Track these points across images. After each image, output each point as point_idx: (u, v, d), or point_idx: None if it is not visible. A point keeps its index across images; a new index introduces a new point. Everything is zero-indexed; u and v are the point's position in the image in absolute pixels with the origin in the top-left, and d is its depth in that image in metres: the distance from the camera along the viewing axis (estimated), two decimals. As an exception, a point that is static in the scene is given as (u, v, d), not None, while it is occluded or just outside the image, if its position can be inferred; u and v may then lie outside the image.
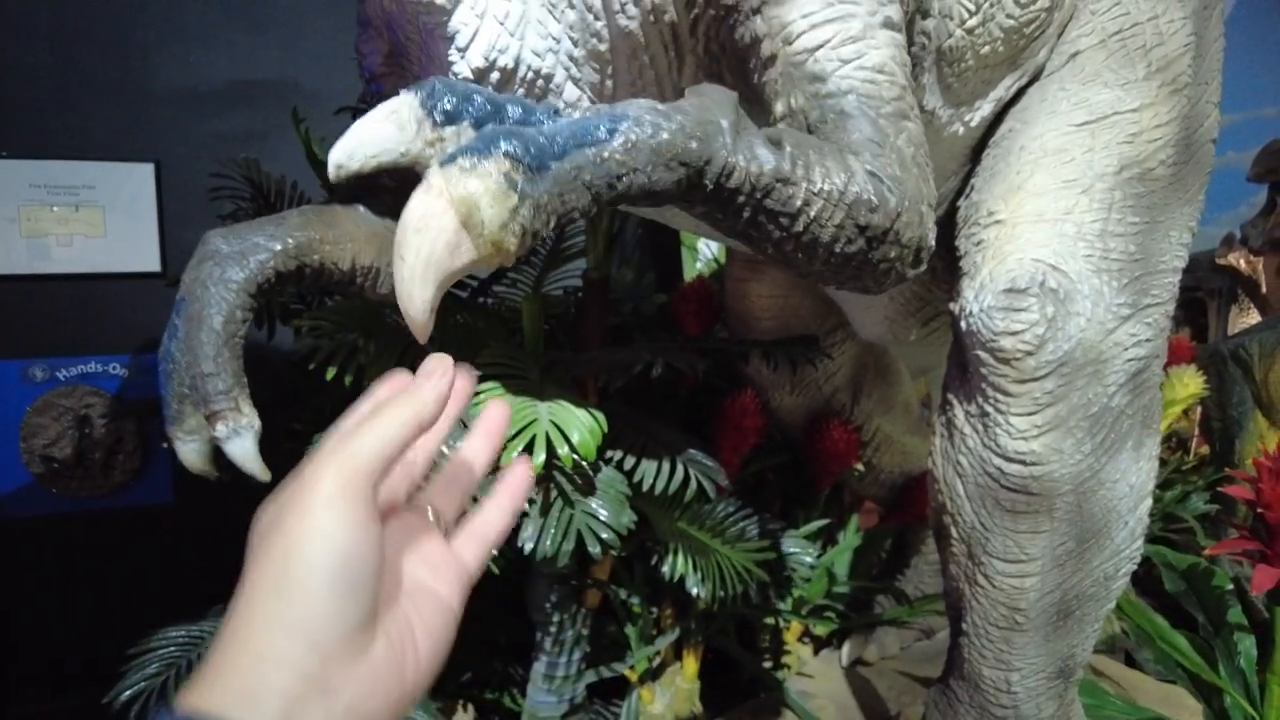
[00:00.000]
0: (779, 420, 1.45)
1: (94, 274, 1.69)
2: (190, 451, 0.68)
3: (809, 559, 1.25)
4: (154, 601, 1.29)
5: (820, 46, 0.63)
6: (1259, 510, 1.02)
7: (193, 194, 1.69)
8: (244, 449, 0.67)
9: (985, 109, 0.91)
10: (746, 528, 1.24)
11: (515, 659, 1.44)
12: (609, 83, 0.71)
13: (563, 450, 0.85)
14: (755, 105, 0.68)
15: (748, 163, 0.56)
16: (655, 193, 0.56)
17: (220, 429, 0.66)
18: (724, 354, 1.35)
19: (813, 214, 0.59)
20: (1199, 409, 2.14)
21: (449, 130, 0.58)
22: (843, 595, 1.58)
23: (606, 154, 0.53)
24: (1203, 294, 2.90)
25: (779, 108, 0.66)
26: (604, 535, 0.93)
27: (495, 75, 0.67)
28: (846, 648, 1.55)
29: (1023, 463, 0.83)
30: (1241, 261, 2.70)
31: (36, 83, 1.64)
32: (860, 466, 1.47)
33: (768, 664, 1.61)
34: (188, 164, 1.71)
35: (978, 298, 0.83)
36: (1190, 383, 1.96)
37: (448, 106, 0.58)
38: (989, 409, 0.84)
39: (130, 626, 1.11)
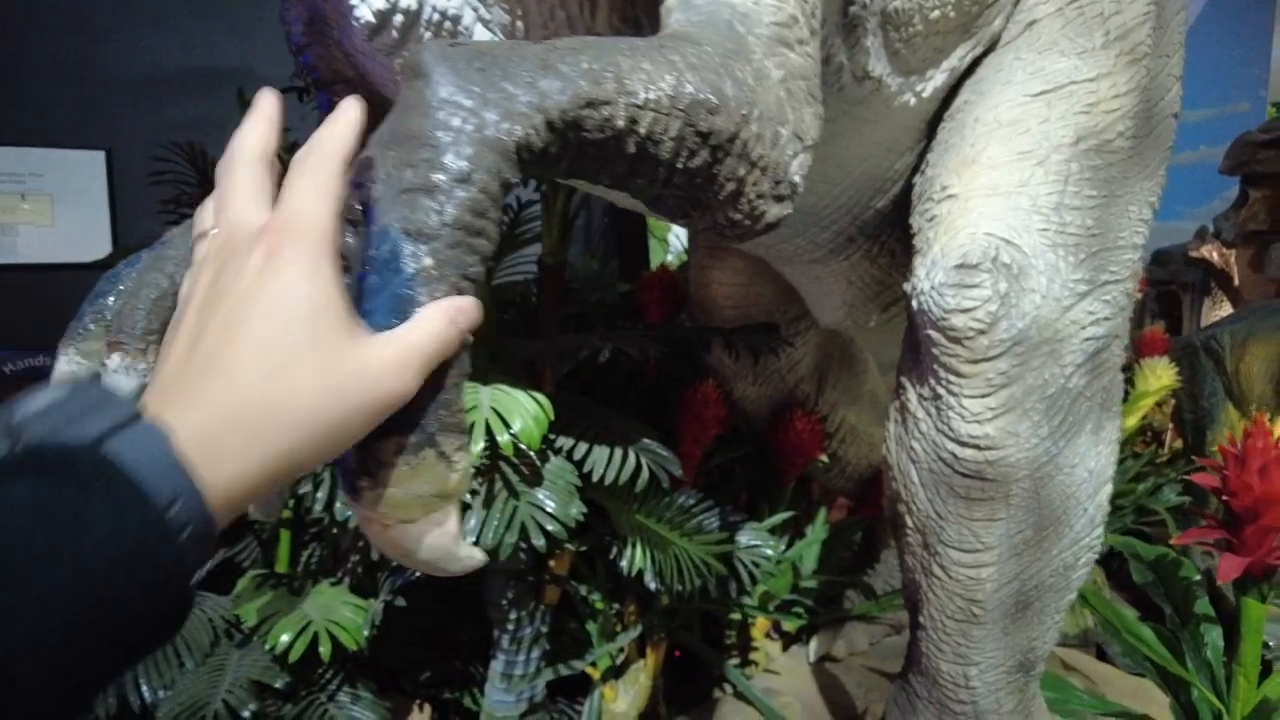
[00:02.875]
0: (743, 411, 1.42)
1: (42, 264, 1.64)
2: (67, 371, 0.64)
3: (769, 552, 1.22)
4: None
5: None
6: (1224, 499, 1.00)
7: (146, 183, 1.65)
8: (125, 387, 0.62)
9: (939, 79, 0.87)
10: (706, 521, 1.21)
11: (477, 658, 1.41)
12: (520, 24, 0.68)
13: (503, 437, 0.82)
14: None
15: (532, 115, 0.45)
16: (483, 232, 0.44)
17: (115, 359, 0.62)
18: (685, 343, 1.32)
19: (644, 130, 0.50)
20: (1172, 401, 2.13)
21: None
22: (811, 590, 1.56)
23: (421, 289, 0.42)
24: (1176, 287, 2.90)
25: (662, 10, 0.61)
26: (550, 528, 0.90)
27: (399, 18, 0.64)
28: (814, 644, 1.53)
29: (977, 447, 0.80)
30: (1214, 254, 2.71)
31: (-17, 67, 1.59)
32: (825, 458, 1.45)
33: (735, 661, 1.58)
34: (141, 152, 1.67)
35: (929, 275, 0.80)
36: (1163, 375, 1.96)
37: None
38: (941, 391, 0.81)
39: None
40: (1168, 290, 2.89)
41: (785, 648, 1.62)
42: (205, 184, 1.27)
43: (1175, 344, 2.06)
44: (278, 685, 1.01)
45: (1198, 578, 1.20)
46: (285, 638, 0.96)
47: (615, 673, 1.44)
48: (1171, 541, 1.09)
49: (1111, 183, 0.82)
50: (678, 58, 0.52)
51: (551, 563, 1.29)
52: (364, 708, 1.11)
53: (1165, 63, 0.87)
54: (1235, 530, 1.01)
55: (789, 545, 1.54)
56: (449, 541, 0.43)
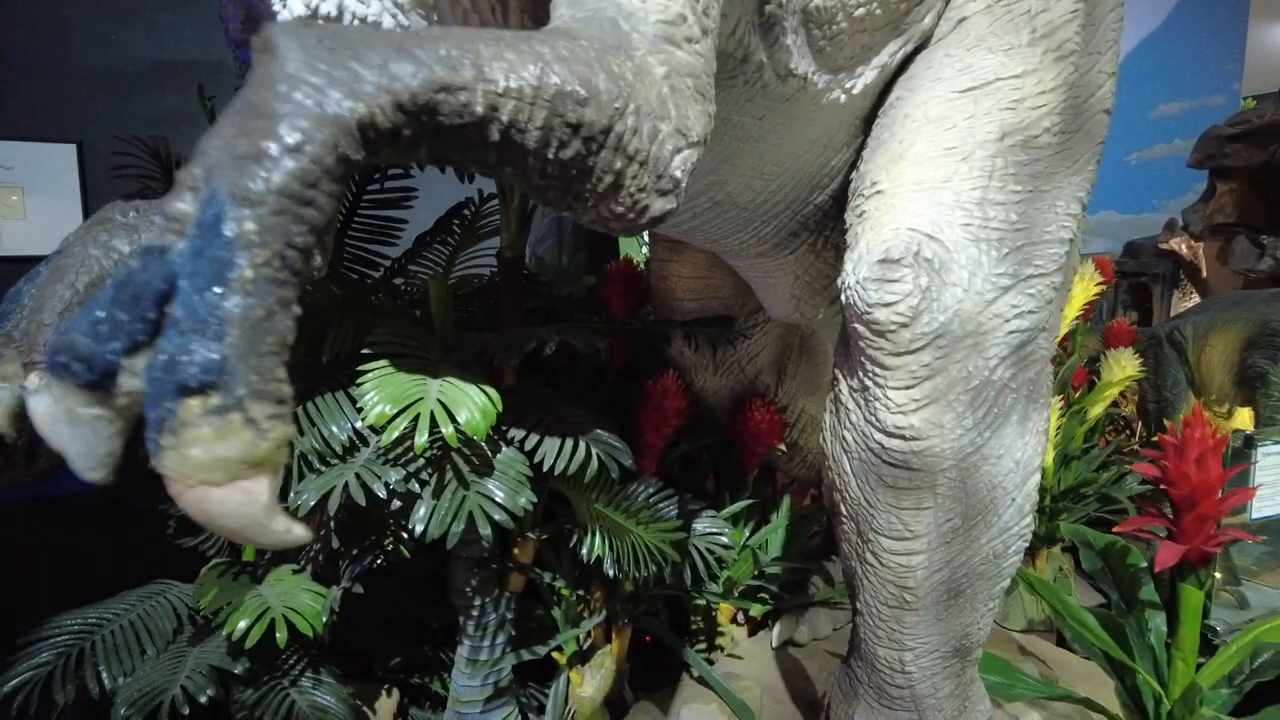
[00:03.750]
0: (704, 402, 1.44)
1: (12, 256, 1.65)
2: None
3: (725, 539, 1.25)
4: (85, 595, 1.27)
5: None
6: (1164, 487, 1.03)
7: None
8: (46, 407, 0.63)
9: (869, 76, 0.89)
10: (665, 509, 1.23)
11: (446, 644, 1.43)
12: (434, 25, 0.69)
13: (448, 429, 0.84)
14: None
15: (379, 96, 0.46)
16: (323, 209, 0.45)
17: (34, 380, 0.61)
18: (646, 334, 1.33)
19: (505, 118, 0.50)
20: (1138, 392, 2.17)
21: (125, 378, 0.47)
22: (776, 576, 1.58)
23: (239, 273, 0.42)
24: (1148, 278, 2.93)
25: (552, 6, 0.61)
26: (496, 517, 0.92)
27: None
28: (776, 629, 1.55)
29: (903, 437, 0.82)
30: (1183, 246, 2.73)
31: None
32: (783, 447, 1.47)
33: (701, 647, 1.60)
34: (110, 145, 1.67)
35: (855, 269, 0.82)
36: (1127, 365, 1.98)
37: (92, 361, 0.46)
38: (869, 383, 0.83)
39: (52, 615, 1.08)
40: (1139, 282, 2.92)
41: (751, 633, 1.64)
42: (168, 178, 1.27)
43: (1141, 335, 2.09)
44: (236, 671, 1.03)
45: (1144, 565, 1.23)
46: (243, 624, 0.98)
47: (581, 658, 1.46)
48: (1114, 530, 1.12)
49: (1037, 178, 0.84)
50: (546, 49, 0.52)
51: (516, 550, 1.31)
52: (326, 692, 1.13)
53: (1096, 59, 0.89)
54: (1175, 518, 1.04)
55: (753, 532, 1.56)
56: (258, 511, 0.42)
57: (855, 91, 0.88)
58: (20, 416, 0.65)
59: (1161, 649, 1.14)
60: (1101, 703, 1.13)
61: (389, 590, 1.41)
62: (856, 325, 0.82)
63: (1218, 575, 1.60)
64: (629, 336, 1.39)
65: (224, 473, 0.41)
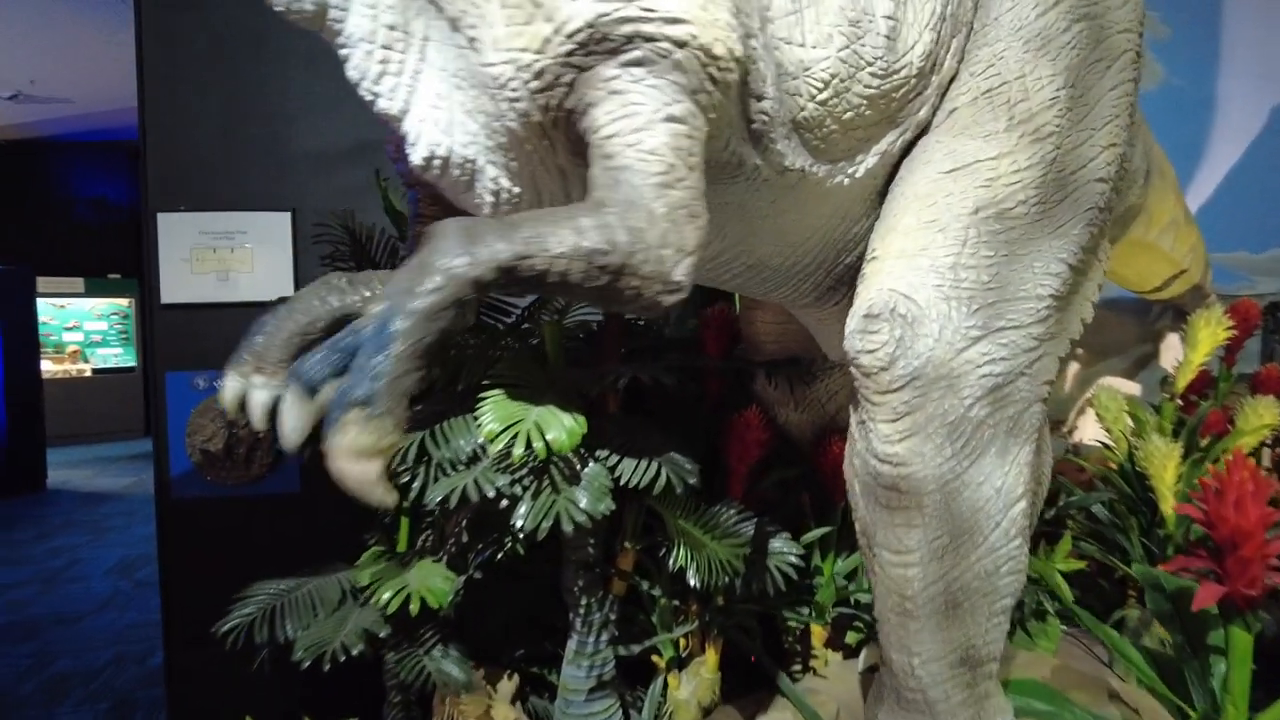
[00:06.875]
0: (789, 435, 1.58)
1: (244, 302, 2.08)
2: (230, 389, 0.93)
3: (793, 557, 1.38)
4: (280, 570, 1.60)
5: (612, 136, 0.82)
6: (1206, 530, 1.06)
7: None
8: (259, 400, 0.92)
9: (870, 161, 1.03)
10: (742, 528, 1.39)
11: (565, 642, 1.65)
12: (514, 164, 0.93)
13: (538, 444, 1.06)
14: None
15: (485, 264, 0.76)
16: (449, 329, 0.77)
17: (256, 378, 0.92)
18: (736, 372, 1.51)
19: (558, 270, 0.79)
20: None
21: (324, 392, 0.80)
22: (869, 605, 1.67)
23: (394, 350, 0.74)
24: (1314, 323, 2.70)
25: (589, 176, 0.86)
26: (578, 519, 1.12)
27: (437, 162, 0.91)
28: (864, 654, 1.64)
29: (890, 464, 0.95)
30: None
31: (207, 149, 2.06)
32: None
33: (796, 667, 1.72)
34: (318, 212, 2.08)
35: (849, 322, 0.97)
36: (1265, 413, 1.90)
37: (310, 380, 0.79)
38: (865, 417, 0.97)
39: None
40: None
41: (845, 659, 1.73)
42: (354, 242, 1.61)
43: (1290, 383, 1.99)
44: (381, 635, 1.30)
45: (1215, 612, 1.23)
46: (387, 595, 1.24)
47: (679, 664, 1.63)
48: (1160, 567, 1.15)
49: (1012, 243, 0.95)
50: (586, 220, 0.80)
51: (618, 558, 1.51)
52: (452, 664, 1.38)
53: (1089, 134, 0.99)
54: (1219, 560, 1.07)
55: (844, 560, 1.67)
56: (369, 479, 0.74)
57: (858, 175, 1.03)
58: (271, 414, 0.94)
59: (1222, 693, 1.15)
60: (1159, 742, 1.15)
61: (521, 590, 1.65)
62: (851, 368, 0.97)
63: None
64: (721, 373, 1.57)
65: (359, 453, 0.73)
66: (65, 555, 4.72)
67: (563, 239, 0.78)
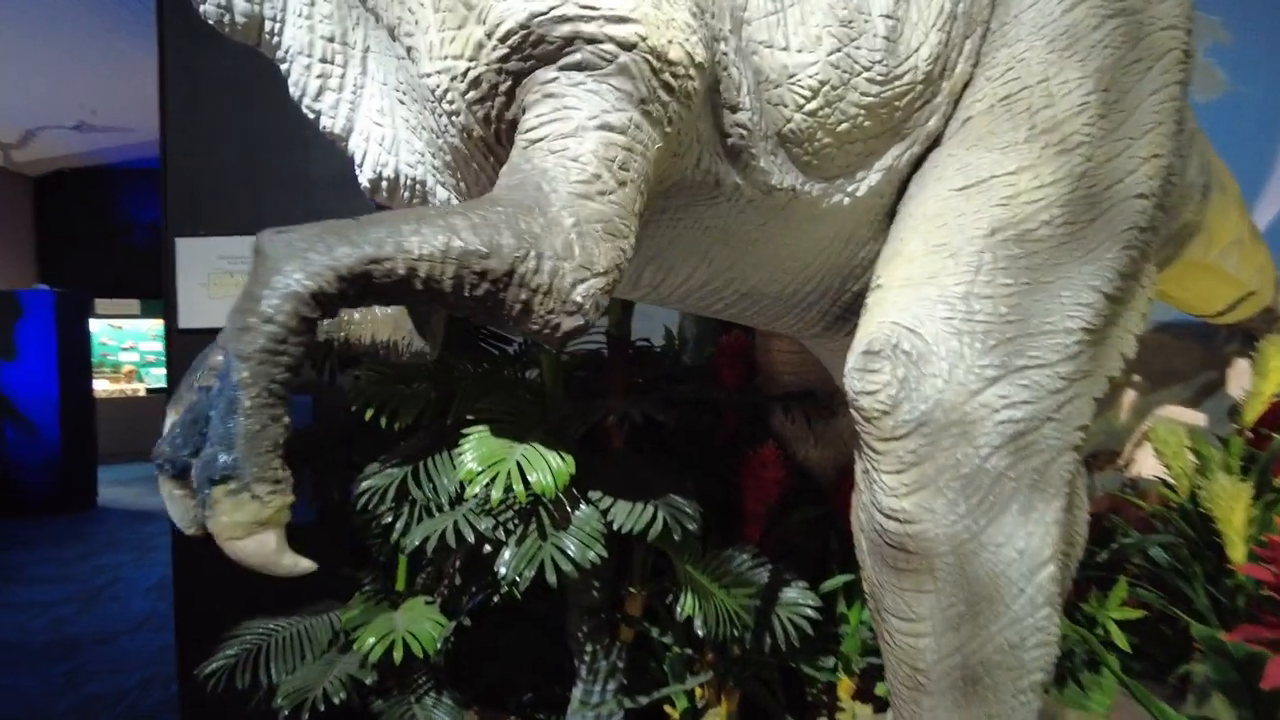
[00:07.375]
0: (809, 472, 1.48)
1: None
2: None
3: (809, 610, 1.27)
4: (291, 604, 1.55)
5: (539, 140, 0.74)
6: (1269, 593, 0.94)
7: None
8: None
9: (873, 178, 0.93)
10: (755, 575, 1.29)
11: (570, 682, 1.56)
12: (463, 184, 0.85)
13: (518, 487, 0.98)
14: None
15: (323, 275, 0.65)
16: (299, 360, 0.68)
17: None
18: (751, 406, 1.41)
19: (425, 276, 0.68)
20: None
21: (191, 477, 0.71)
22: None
23: (241, 405, 0.65)
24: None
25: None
26: (565, 568, 1.04)
27: (385, 184, 0.84)
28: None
29: (897, 520, 0.84)
30: None
31: (224, 177, 2.05)
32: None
33: (823, 718, 1.60)
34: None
35: (849, 360, 0.86)
36: (1345, 451, 1.72)
37: (176, 464, 0.69)
38: (868, 466, 0.85)
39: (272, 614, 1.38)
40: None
41: (877, 710, 1.61)
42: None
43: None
44: (367, 681, 1.22)
45: (1290, 681, 1.09)
46: (370, 640, 1.17)
47: (694, 716, 1.52)
48: (1221, 636, 1.01)
49: (1035, 270, 0.83)
50: (459, 219, 0.69)
51: (625, 602, 1.42)
52: (444, 712, 1.30)
53: (1127, 145, 0.86)
54: (1291, 628, 0.94)
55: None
56: (269, 553, 0.66)
57: (860, 194, 0.92)
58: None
59: (1300, 779, 1.01)
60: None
61: (524, 631, 1.56)
62: (852, 411, 0.86)
63: None
64: (737, 406, 1.47)
65: (243, 531, 0.65)
66: (108, 573, 4.78)
67: (428, 239, 0.68)
